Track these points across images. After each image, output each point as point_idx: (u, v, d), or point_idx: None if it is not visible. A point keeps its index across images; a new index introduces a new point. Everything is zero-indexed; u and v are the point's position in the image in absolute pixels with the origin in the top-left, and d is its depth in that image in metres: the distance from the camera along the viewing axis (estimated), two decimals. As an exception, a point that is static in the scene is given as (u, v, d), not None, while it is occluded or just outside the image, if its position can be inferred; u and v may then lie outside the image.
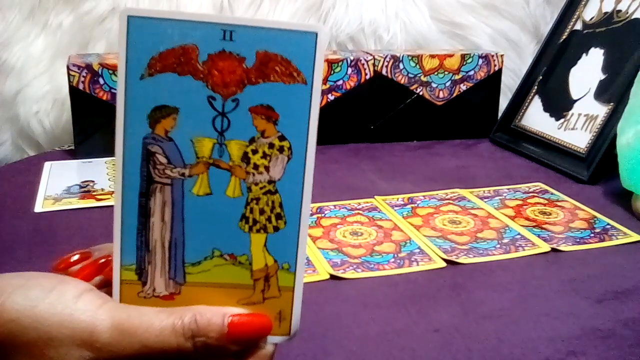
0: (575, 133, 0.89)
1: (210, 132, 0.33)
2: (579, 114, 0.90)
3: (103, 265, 0.37)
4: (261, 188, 0.34)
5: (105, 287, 0.35)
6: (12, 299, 0.32)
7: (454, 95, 1.02)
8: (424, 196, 0.77)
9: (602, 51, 0.92)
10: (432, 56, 1.00)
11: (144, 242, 0.34)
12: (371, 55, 0.98)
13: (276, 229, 0.34)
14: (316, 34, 0.32)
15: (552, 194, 0.78)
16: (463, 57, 1.01)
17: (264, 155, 0.33)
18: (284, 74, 0.33)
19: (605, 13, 0.94)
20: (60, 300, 0.32)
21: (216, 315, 0.33)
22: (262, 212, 0.34)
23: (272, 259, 0.35)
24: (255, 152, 0.33)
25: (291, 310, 0.35)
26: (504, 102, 1.06)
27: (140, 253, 0.34)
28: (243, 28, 0.32)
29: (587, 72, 0.92)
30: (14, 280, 0.33)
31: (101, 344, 0.31)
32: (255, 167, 0.33)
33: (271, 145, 0.33)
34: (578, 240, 0.65)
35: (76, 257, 0.38)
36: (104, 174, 0.83)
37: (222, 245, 0.34)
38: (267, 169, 0.33)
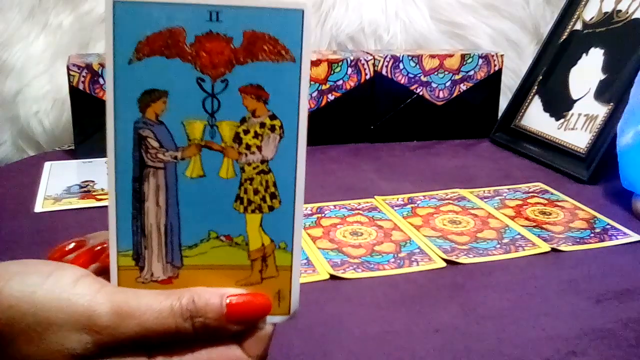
0: (575, 133, 0.89)
1: (201, 114, 0.33)
2: (579, 114, 0.90)
3: (99, 252, 0.37)
4: (254, 168, 0.34)
5: (102, 274, 0.35)
6: (10, 286, 0.32)
7: (454, 95, 1.02)
8: (424, 196, 0.77)
9: (602, 51, 0.92)
10: (432, 56, 1.00)
11: (140, 227, 0.34)
12: (371, 55, 0.98)
13: (271, 208, 0.34)
14: (302, 11, 0.32)
15: (552, 194, 0.78)
16: (463, 57, 1.01)
17: (256, 135, 0.33)
18: (272, 53, 0.32)
19: (605, 13, 0.94)
20: (58, 286, 0.32)
21: (214, 295, 0.33)
22: (256, 192, 0.34)
23: (268, 239, 0.35)
24: (246, 132, 0.33)
25: (290, 289, 0.35)
26: (504, 102, 1.06)
27: (136, 238, 0.34)
28: (229, 8, 0.32)
29: (587, 72, 0.92)
30: (11, 267, 0.33)
31: (100, 327, 0.32)
32: (248, 147, 0.34)
33: (262, 125, 0.33)
34: (578, 240, 0.65)
35: (71, 245, 0.38)
36: (104, 174, 0.83)
37: (218, 227, 0.34)
38: (259, 148, 0.34)
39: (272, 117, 0.33)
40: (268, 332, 0.35)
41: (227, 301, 0.33)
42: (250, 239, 0.34)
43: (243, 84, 0.33)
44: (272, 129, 0.33)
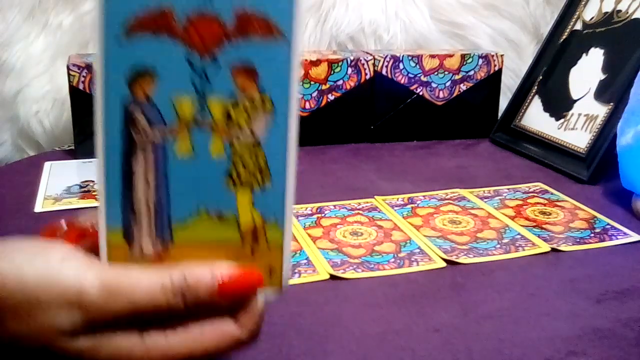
0: (575, 133, 0.89)
1: (191, 92, 0.33)
2: (579, 114, 0.90)
3: (88, 229, 0.37)
4: (245, 145, 0.34)
5: (93, 252, 0.35)
6: None
7: (454, 95, 1.02)
8: (424, 196, 0.77)
9: (602, 51, 0.92)
10: (432, 56, 1.00)
11: (129, 203, 0.34)
12: (371, 55, 0.98)
13: (261, 185, 0.34)
14: None
15: (552, 194, 0.78)
16: (463, 57, 1.01)
17: (246, 113, 0.34)
18: (263, 32, 0.32)
19: (605, 13, 0.94)
20: (46, 263, 0.32)
21: (205, 271, 0.33)
22: (246, 169, 0.34)
23: (259, 215, 0.35)
24: (236, 109, 0.33)
25: (281, 265, 0.35)
26: (504, 102, 1.06)
27: (125, 215, 0.34)
28: None
29: (587, 72, 0.92)
30: None
31: (89, 304, 0.31)
32: (238, 124, 0.34)
33: (252, 102, 0.33)
34: (578, 240, 0.65)
35: (62, 223, 0.38)
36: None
37: (208, 204, 0.34)
38: (249, 126, 0.34)
39: (263, 94, 0.33)
40: (260, 305, 0.35)
41: (218, 276, 0.33)
42: (241, 216, 0.35)
43: (233, 62, 0.33)
44: (263, 106, 0.33)
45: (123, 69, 0.32)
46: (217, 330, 0.34)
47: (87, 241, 0.36)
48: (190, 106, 0.33)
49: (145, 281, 0.32)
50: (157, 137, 0.33)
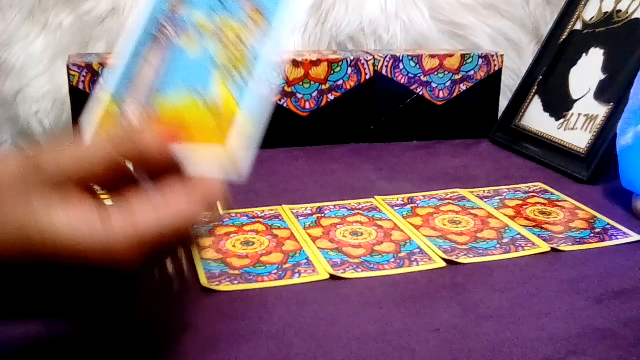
0: (575, 133, 0.89)
1: (208, 12, 0.43)
2: (579, 114, 0.90)
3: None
4: (241, 53, 0.42)
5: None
6: None
7: (454, 95, 1.02)
8: (424, 196, 0.77)
9: (602, 51, 0.92)
10: (432, 56, 1.00)
11: (133, 78, 0.43)
12: (371, 55, 0.98)
13: (245, 81, 0.41)
14: None
15: (552, 194, 0.78)
16: (463, 57, 1.01)
17: (247, 30, 0.42)
18: None
19: (605, 13, 0.94)
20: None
21: (149, 134, 0.39)
22: (236, 68, 0.41)
23: (237, 106, 0.41)
24: (240, 27, 0.43)
25: (230, 125, 0.41)
26: (504, 102, 1.06)
27: (126, 86, 0.43)
28: None
29: (587, 72, 0.92)
30: None
31: (41, 161, 0.36)
32: (240, 38, 0.42)
33: (254, 21, 0.42)
34: (578, 240, 0.65)
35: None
36: (104, 174, 0.83)
37: (197, 91, 0.41)
38: (248, 39, 0.42)
39: (262, 15, 0.42)
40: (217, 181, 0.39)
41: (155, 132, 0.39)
42: (224, 105, 0.41)
43: None
44: (259, 24, 0.42)
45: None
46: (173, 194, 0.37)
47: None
48: (205, 20, 0.43)
49: (95, 143, 0.38)
50: (174, 37, 0.43)
